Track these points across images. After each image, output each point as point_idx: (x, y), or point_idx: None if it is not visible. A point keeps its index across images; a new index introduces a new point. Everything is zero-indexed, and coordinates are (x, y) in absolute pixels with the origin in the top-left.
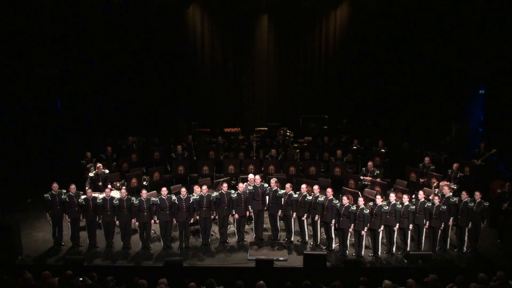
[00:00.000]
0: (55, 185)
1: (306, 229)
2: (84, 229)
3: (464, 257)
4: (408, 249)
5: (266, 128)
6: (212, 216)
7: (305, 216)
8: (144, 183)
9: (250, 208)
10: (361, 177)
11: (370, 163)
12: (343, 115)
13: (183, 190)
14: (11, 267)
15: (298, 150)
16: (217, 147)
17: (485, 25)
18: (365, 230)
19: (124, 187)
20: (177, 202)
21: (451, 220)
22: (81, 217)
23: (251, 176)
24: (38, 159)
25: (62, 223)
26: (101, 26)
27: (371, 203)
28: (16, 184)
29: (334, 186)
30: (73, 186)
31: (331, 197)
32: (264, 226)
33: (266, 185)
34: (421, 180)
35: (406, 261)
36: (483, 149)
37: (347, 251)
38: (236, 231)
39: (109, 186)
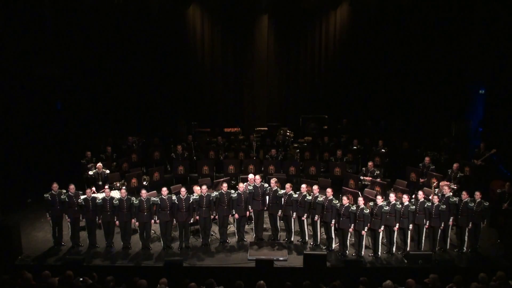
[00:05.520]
0: (55, 185)
1: (306, 229)
2: (84, 229)
3: (464, 257)
4: (408, 249)
5: (266, 128)
6: (212, 216)
7: (305, 216)
8: (144, 183)
9: (250, 208)
10: (361, 177)
11: (370, 163)
12: (343, 115)
13: (183, 190)
14: (11, 267)
15: (298, 150)
16: (217, 147)
17: (485, 25)
18: (365, 230)
19: (124, 187)
20: (177, 202)
21: (451, 220)
22: (81, 217)
23: (251, 176)
24: (38, 159)
25: (62, 223)
26: (101, 26)
27: (371, 203)
28: (16, 184)
29: (334, 186)
30: (72, 186)
31: (331, 197)
32: (264, 226)
33: (266, 185)
34: (421, 180)
35: (406, 261)
36: (483, 149)
37: (347, 251)
38: (236, 231)
39: (106, 186)
